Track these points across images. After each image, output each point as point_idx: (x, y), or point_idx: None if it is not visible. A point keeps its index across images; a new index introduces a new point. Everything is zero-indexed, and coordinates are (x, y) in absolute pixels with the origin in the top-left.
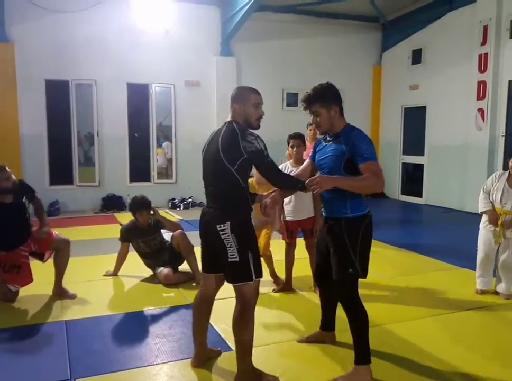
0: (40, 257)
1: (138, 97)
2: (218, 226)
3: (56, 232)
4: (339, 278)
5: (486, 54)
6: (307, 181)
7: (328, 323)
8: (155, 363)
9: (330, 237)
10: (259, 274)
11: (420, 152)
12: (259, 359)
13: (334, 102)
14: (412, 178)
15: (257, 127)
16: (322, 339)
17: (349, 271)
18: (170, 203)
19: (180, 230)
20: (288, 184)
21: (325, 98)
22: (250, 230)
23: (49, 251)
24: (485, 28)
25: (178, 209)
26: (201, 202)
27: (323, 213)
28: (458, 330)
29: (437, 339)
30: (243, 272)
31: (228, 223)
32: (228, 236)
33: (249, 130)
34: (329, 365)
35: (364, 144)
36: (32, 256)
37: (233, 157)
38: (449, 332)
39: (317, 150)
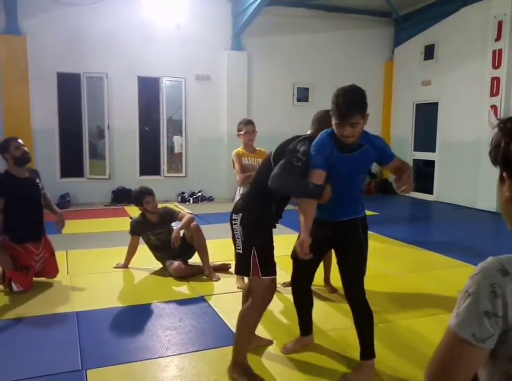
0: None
1: (148, 91)
2: (233, 215)
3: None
4: (356, 278)
5: (500, 50)
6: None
7: (308, 326)
8: (165, 355)
9: (345, 239)
10: (266, 273)
11: (432, 149)
12: (268, 353)
13: (367, 108)
14: (423, 175)
15: None
16: (306, 344)
17: (363, 269)
18: (180, 197)
19: (195, 223)
20: (294, 187)
21: (364, 106)
22: (261, 229)
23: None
24: (500, 24)
25: (187, 203)
26: (210, 197)
27: (332, 218)
28: None
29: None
30: (242, 265)
31: (240, 214)
32: (237, 227)
33: (311, 142)
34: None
35: (385, 144)
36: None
37: (279, 156)
38: None
39: (331, 161)
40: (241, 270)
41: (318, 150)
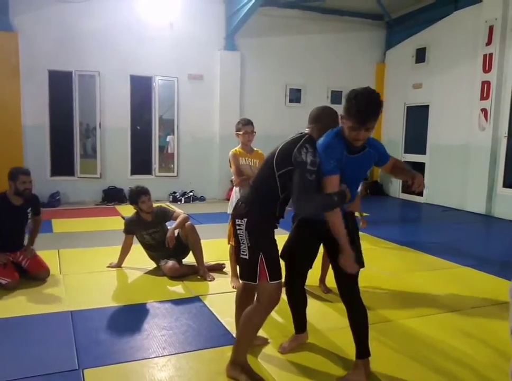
0: (23, 272)
1: (141, 90)
2: (236, 220)
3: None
4: (350, 275)
5: (491, 54)
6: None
7: (302, 324)
8: (162, 355)
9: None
10: (274, 277)
11: (422, 151)
12: (265, 353)
13: None
14: None
15: None
16: (301, 341)
17: (357, 265)
18: (171, 196)
19: (190, 222)
20: (319, 206)
21: (381, 110)
22: (267, 233)
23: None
24: (491, 28)
25: (179, 202)
26: (202, 196)
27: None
28: (461, 328)
29: (438, 337)
30: (249, 271)
31: (245, 220)
32: (242, 232)
33: (314, 144)
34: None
35: (383, 146)
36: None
37: (282, 163)
38: (451, 329)
39: (343, 161)
40: (248, 275)
41: (330, 154)
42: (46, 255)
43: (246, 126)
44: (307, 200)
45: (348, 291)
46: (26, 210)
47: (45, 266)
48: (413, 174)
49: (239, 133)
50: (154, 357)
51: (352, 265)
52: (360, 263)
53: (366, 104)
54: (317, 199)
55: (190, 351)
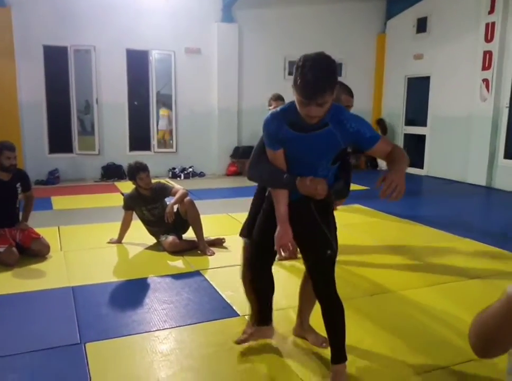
0: (22, 251)
1: (137, 64)
2: None
3: (42, 235)
4: (322, 265)
5: (493, 23)
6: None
7: (268, 315)
8: (163, 328)
9: (298, 219)
10: (242, 232)
11: (423, 123)
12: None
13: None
14: (414, 149)
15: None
16: (264, 336)
17: (329, 253)
18: (170, 172)
19: (189, 198)
20: (267, 178)
21: (336, 81)
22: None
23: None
24: None
25: (178, 178)
26: (202, 172)
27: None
28: (464, 298)
29: (439, 307)
30: None
31: None
32: None
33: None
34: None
35: (363, 125)
36: (17, 248)
37: None
38: (454, 299)
39: (281, 136)
40: None
41: (263, 129)
42: (47, 232)
43: (276, 101)
44: (257, 168)
45: (324, 285)
46: (15, 185)
47: (37, 237)
48: (390, 172)
49: (270, 107)
50: (156, 330)
51: (282, 243)
52: (333, 251)
53: (315, 74)
54: (266, 169)
55: (191, 324)
